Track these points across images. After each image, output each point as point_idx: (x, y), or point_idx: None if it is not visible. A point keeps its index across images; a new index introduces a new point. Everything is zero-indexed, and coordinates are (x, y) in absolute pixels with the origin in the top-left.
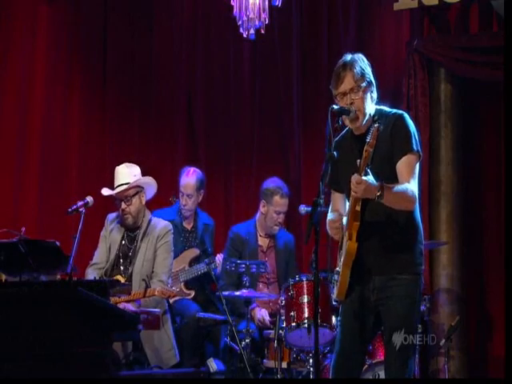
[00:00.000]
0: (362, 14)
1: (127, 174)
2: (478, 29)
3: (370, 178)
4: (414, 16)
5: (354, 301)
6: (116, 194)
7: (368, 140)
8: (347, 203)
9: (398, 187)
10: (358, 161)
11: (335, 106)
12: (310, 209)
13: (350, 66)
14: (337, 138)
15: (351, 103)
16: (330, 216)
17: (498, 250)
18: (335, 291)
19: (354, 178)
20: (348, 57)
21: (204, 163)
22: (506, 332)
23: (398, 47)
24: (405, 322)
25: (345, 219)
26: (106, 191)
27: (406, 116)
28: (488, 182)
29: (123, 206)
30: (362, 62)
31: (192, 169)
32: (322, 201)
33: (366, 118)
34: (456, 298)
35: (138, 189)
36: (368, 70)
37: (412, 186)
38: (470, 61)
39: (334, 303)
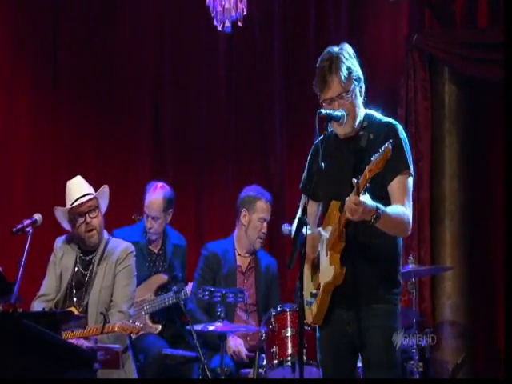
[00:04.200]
0: (353, 5)
1: (85, 185)
2: (487, 22)
3: (368, 199)
4: (413, 7)
5: (330, 327)
6: (79, 204)
7: (374, 159)
8: (318, 213)
9: (396, 211)
10: (355, 180)
11: (323, 111)
12: (294, 228)
13: (335, 67)
14: (316, 141)
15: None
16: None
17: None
18: (311, 315)
19: (352, 198)
20: (332, 52)
21: (172, 173)
22: (505, 332)
23: (395, 43)
24: (384, 357)
25: (322, 232)
26: (59, 209)
27: (401, 128)
28: (499, 197)
29: (88, 219)
30: (347, 59)
31: (158, 185)
32: (307, 219)
33: (357, 121)
34: (462, 331)
35: (98, 202)
36: (354, 65)
37: (408, 211)
38: (478, 58)
39: (305, 328)
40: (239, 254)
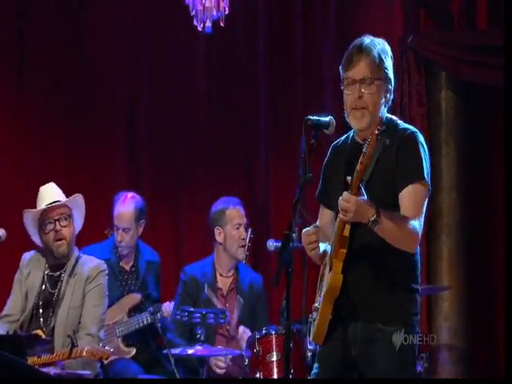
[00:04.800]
0: (343, 4)
1: (58, 192)
2: (486, 23)
3: (364, 198)
4: (407, 7)
5: (333, 347)
6: (49, 209)
7: (364, 150)
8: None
9: (400, 219)
10: (349, 178)
11: (311, 117)
12: (279, 244)
13: (367, 50)
14: (335, 142)
15: (359, 97)
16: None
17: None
18: (312, 332)
19: (344, 196)
20: (368, 39)
21: (148, 185)
22: (505, 332)
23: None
24: None
25: (328, 247)
26: (29, 212)
27: (420, 136)
28: (499, 211)
29: (58, 227)
30: (383, 51)
31: (128, 195)
32: (294, 235)
33: (373, 120)
34: (460, 356)
35: (71, 212)
36: (388, 64)
37: (416, 223)
38: (477, 62)
39: (309, 347)
40: (220, 275)
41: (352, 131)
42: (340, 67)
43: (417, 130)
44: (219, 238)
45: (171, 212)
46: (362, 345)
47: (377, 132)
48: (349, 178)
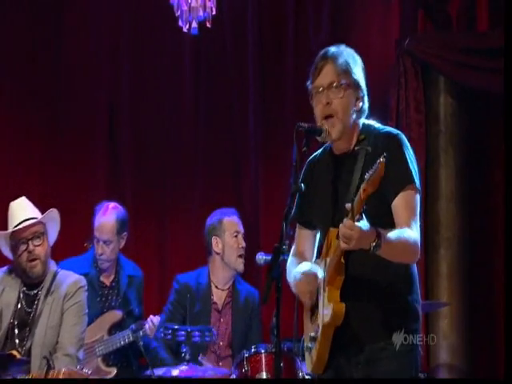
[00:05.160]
0: (337, 4)
1: (31, 208)
2: (487, 25)
3: (365, 224)
4: (405, 7)
5: (335, 373)
6: (21, 229)
7: (368, 177)
8: (316, 242)
9: (399, 235)
10: (348, 205)
11: (302, 124)
12: (269, 257)
13: (332, 56)
14: (311, 157)
15: (327, 103)
16: (293, 265)
17: None
18: (310, 363)
19: (345, 224)
20: (333, 47)
21: (130, 196)
22: (505, 331)
23: (384, 48)
24: None
25: (319, 271)
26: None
27: (403, 138)
28: (501, 223)
29: (31, 247)
30: (349, 57)
31: (110, 205)
32: (285, 247)
33: (346, 127)
34: (460, 376)
35: (45, 228)
36: (356, 70)
37: (414, 233)
38: (478, 66)
39: (305, 377)
40: (216, 287)
41: (327, 144)
42: (307, 83)
43: (399, 132)
44: (217, 248)
45: (155, 224)
46: (365, 366)
47: (383, 160)
48: (348, 205)
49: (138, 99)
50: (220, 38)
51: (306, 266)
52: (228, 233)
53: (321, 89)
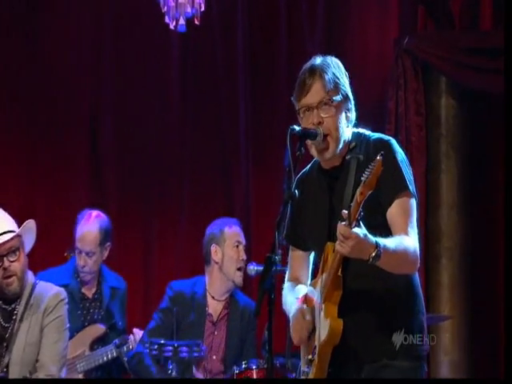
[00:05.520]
0: (332, 2)
1: (6, 220)
2: (491, 24)
3: (362, 232)
4: (404, 4)
5: None
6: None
7: (364, 178)
8: (311, 263)
9: (398, 244)
10: (345, 211)
11: (296, 128)
12: (261, 268)
13: (319, 71)
14: (299, 175)
15: (319, 123)
16: (288, 291)
17: None
18: None
19: (342, 229)
20: (318, 59)
21: (114, 203)
22: (505, 331)
23: (381, 47)
24: None
25: (312, 292)
26: None
27: (395, 144)
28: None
29: (6, 263)
30: (336, 69)
31: (93, 213)
32: (278, 257)
33: (340, 145)
34: None
35: (21, 240)
36: (344, 81)
37: (413, 241)
38: (481, 67)
39: None
40: (213, 298)
41: (315, 159)
42: (292, 98)
43: (390, 138)
44: (216, 257)
45: (140, 234)
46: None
47: (380, 157)
48: (344, 212)
49: (121, 100)
50: (209, 36)
51: (302, 292)
52: (229, 242)
53: (310, 108)
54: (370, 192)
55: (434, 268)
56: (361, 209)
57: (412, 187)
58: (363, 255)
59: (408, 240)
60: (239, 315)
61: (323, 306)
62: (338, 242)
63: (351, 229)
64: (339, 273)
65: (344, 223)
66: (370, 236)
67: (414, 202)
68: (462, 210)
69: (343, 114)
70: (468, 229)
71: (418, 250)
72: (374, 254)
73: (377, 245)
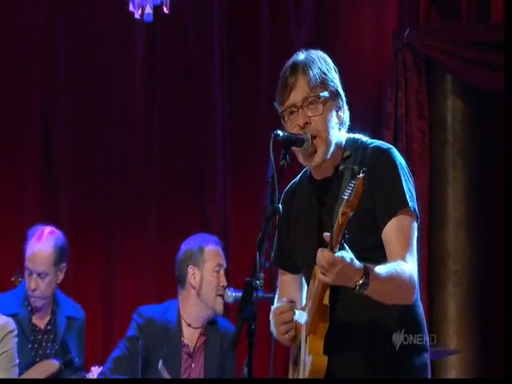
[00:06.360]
0: None
1: None
2: (502, 15)
3: (348, 256)
4: None
5: None
6: None
7: (346, 197)
8: (305, 288)
9: (391, 270)
10: (326, 234)
11: (280, 133)
12: (240, 294)
13: (303, 67)
14: (287, 187)
15: (306, 123)
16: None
17: None
18: None
19: (323, 254)
20: (301, 55)
21: (69, 219)
22: (505, 331)
23: (379, 41)
24: None
25: (301, 316)
26: None
27: (395, 153)
28: None
29: None
30: (322, 63)
31: (46, 230)
32: (259, 282)
33: (331, 148)
34: None
35: None
36: (333, 76)
37: (410, 267)
38: (491, 63)
39: None
40: (189, 325)
41: (305, 169)
42: (274, 103)
43: (390, 146)
44: (193, 281)
45: (100, 254)
46: None
47: (362, 175)
48: (326, 235)
49: (78, 101)
50: (180, 26)
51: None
52: (209, 265)
53: (294, 108)
54: (351, 213)
55: (439, 295)
56: (345, 231)
57: (413, 203)
58: (349, 283)
59: (403, 266)
60: (219, 341)
61: (308, 338)
62: (318, 268)
63: (334, 253)
64: (325, 301)
65: (324, 249)
66: (356, 261)
67: (414, 223)
68: (470, 227)
69: (333, 113)
70: (478, 250)
71: (414, 277)
72: (361, 282)
73: (365, 271)
